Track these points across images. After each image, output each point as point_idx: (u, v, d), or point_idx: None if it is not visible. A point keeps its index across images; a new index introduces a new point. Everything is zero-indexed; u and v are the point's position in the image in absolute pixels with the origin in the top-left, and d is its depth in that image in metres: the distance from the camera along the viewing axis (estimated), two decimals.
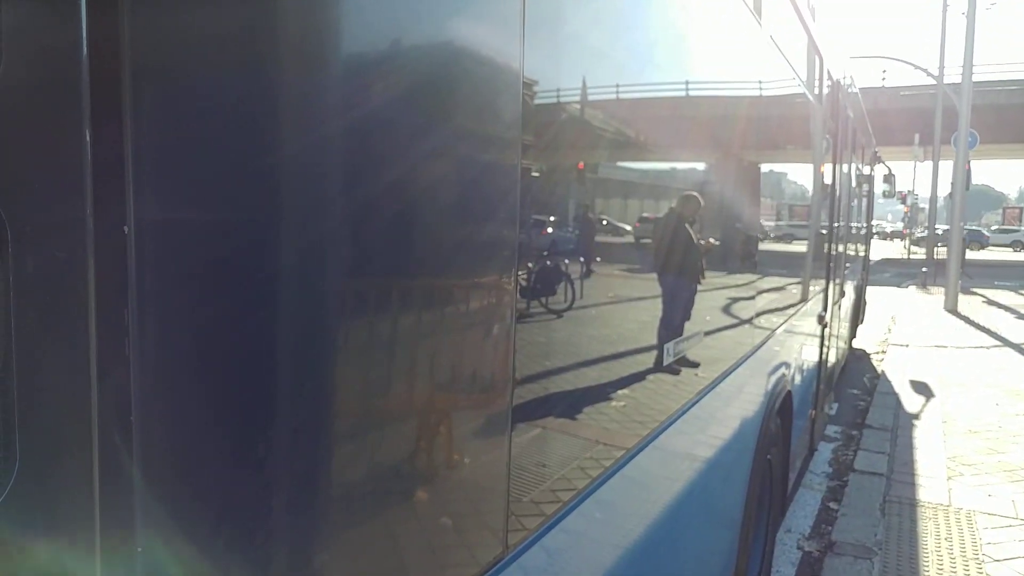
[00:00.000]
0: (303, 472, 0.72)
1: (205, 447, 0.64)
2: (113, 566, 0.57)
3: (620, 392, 1.56)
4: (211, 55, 0.61)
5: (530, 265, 1.13)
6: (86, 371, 0.55)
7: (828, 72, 4.22)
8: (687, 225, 2.00)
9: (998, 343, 9.67)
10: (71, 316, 0.55)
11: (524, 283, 1.10)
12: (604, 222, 1.46)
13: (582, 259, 1.33)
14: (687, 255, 2.02)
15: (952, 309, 12.89)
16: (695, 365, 2.03)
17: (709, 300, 2.28)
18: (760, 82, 2.70)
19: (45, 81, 0.53)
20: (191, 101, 0.60)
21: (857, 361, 8.63)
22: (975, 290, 16.15)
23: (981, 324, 11.29)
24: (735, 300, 2.59)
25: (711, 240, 2.25)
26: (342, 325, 0.77)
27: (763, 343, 2.88)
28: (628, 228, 1.64)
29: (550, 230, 1.23)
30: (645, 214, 1.79)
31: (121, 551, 0.58)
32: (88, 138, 0.53)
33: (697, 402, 2.02)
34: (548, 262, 1.22)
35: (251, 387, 0.67)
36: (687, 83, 1.92)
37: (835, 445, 5.64)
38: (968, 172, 14.06)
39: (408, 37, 0.82)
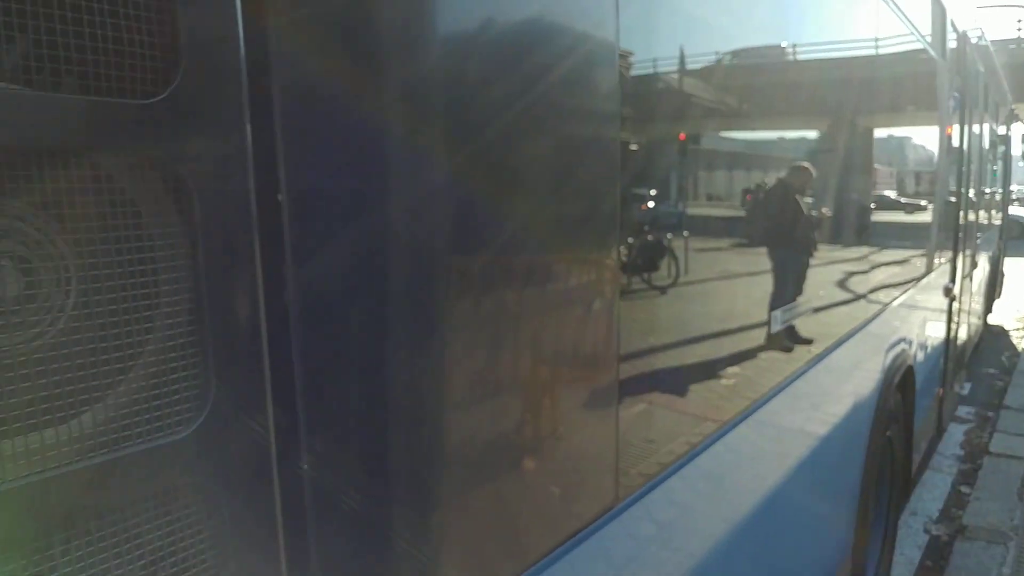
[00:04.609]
0: (424, 443, 0.81)
1: (340, 432, 0.75)
2: None
3: (726, 364, 1.57)
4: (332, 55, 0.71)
5: (634, 242, 1.17)
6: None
7: (952, 24, 3.91)
8: (797, 197, 1.96)
9: None
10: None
11: (632, 260, 1.14)
12: (708, 196, 1.48)
13: (687, 233, 1.36)
14: (797, 227, 1.99)
15: None
16: (803, 339, 2.00)
17: (819, 273, 2.22)
18: (876, 40, 2.56)
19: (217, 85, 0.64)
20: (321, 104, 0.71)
21: (994, 338, 7.96)
22: None
23: None
24: (848, 273, 2.50)
25: (823, 211, 2.19)
26: (451, 308, 0.82)
27: (876, 315, 2.76)
28: (735, 201, 1.64)
29: (652, 204, 1.26)
30: (752, 186, 1.78)
31: None
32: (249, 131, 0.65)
33: (804, 373, 1.98)
34: (651, 237, 1.25)
35: (369, 374, 0.76)
36: (794, 46, 1.87)
37: (967, 427, 5.27)
38: None
39: (502, 20, 0.86)
